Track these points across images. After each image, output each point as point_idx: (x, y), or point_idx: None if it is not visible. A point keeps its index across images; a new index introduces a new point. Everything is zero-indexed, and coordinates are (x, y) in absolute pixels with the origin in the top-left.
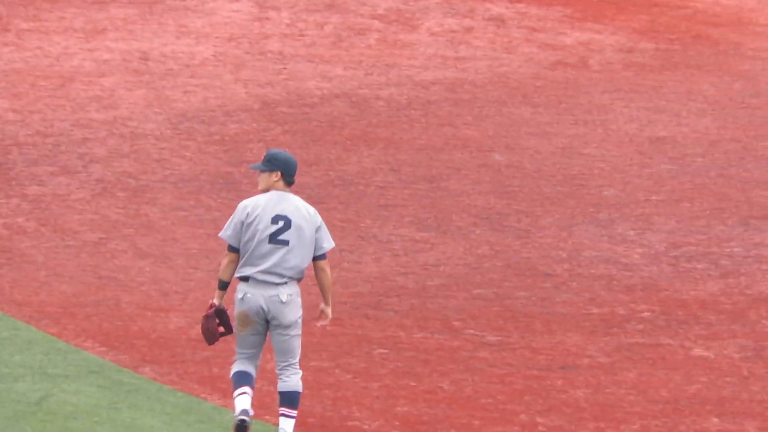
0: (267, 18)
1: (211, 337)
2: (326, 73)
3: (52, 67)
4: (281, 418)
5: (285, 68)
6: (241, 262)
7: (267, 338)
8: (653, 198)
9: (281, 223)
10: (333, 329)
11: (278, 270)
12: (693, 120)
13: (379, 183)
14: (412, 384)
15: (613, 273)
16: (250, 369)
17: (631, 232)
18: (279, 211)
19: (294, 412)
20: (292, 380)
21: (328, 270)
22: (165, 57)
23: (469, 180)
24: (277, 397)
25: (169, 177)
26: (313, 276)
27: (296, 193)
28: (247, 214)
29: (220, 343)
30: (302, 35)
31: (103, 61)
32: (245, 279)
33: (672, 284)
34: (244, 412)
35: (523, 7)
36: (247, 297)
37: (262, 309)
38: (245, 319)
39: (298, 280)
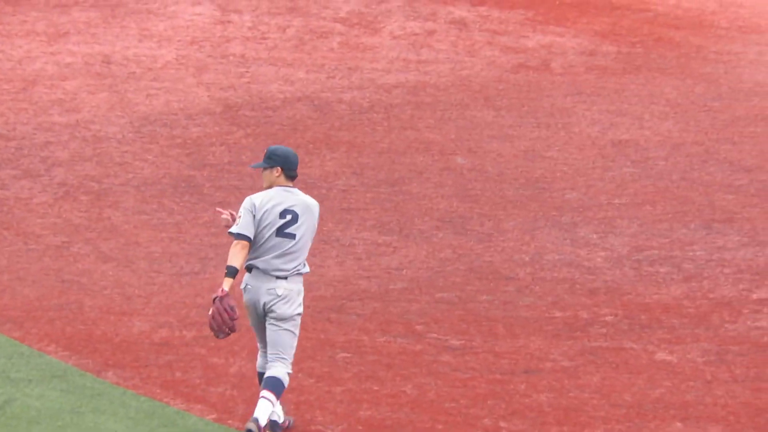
0: (229, 21)
1: (220, 328)
2: (288, 76)
3: (14, 70)
4: (260, 401)
5: (247, 71)
6: (250, 255)
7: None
8: (616, 201)
9: (289, 217)
10: None
11: (282, 263)
12: (655, 123)
13: (342, 186)
14: (375, 388)
15: (575, 277)
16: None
17: (594, 236)
18: (287, 205)
19: (271, 396)
20: (278, 370)
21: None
22: (127, 60)
23: (431, 183)
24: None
25: (131, 180)
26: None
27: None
28: (256, 207)
29: (183, 347)
30: (264, 38)
31: (65, 64)
32: (249, 269)
33: (635, 288)
34: (255, 420)
35: (485, 11)
36: (248, 288)
37: (260, 301)
38: (248, 310)
39: (301, 274)
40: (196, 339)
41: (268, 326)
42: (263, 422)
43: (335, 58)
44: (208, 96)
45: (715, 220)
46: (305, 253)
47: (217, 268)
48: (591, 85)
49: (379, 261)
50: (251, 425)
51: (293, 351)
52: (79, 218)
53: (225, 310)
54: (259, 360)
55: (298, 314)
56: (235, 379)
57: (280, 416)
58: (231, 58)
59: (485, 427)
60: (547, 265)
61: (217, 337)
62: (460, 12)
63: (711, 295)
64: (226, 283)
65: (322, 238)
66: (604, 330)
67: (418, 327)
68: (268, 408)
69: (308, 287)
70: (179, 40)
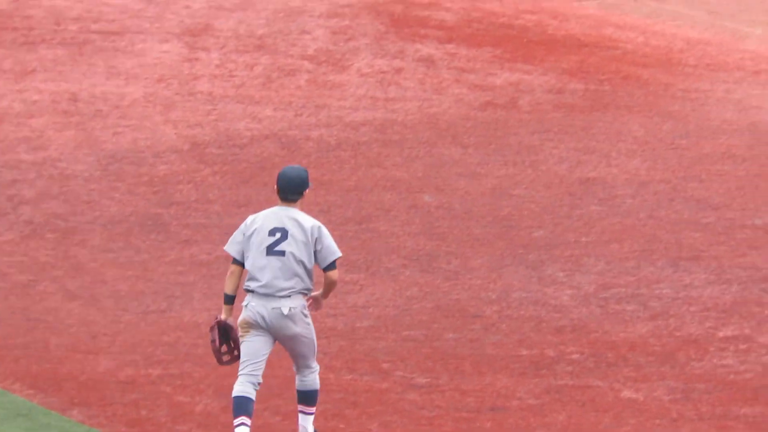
0: (197, 59)
1: (215, 352)
2: (256, 113)
3: None
4: (300, 415)
5: (215, 109)
6: (247, 275)
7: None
8: (583, 239)
9: (278, 235)
10: None
11: (277, 282)
12: (622, 161)
13: None
14: (341, 426)
15: (542, 314)
16: (250, 391)
17: (561, 274)
18: (277, 223)
19: (312, 409)
20: (309, 378)
21: (334, 277)
22: (95, 98)
23: (398, 221)
24: (296, 396)
25: (98, 218)
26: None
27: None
28: (247, 225)
29: (149, 386)
30: (232, 76)
31: (32, 102)
32: (250, 291)
33: (601, 326)
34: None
35: (452, 48)
36: (251, 305)
37: (264, 319)
38: (246, 325)
39: (303, 293)
40: (162, 377)
41: (284, 344)
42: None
43: (303, 96)
44: (176, 133)
45: (682, 258)
46: (303, 271)
47: (183, 307)
48: (558, 123)
49: (345, 299)
50: None
51: (315, 353)
52: (45, 256)
53: (211, 340)
54: (238, 385)
55: (308, 324)
56: (201, 417)
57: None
58: (198, 95)
59: None
60: (514, 303)
61: (219, 363)
62: (427, 50)
63: (677, 333)
64: (223, 311)
65: None
66: (570, 368)
67: (385, 365)
68: (309, 419)
69: None
70: (147, 78)
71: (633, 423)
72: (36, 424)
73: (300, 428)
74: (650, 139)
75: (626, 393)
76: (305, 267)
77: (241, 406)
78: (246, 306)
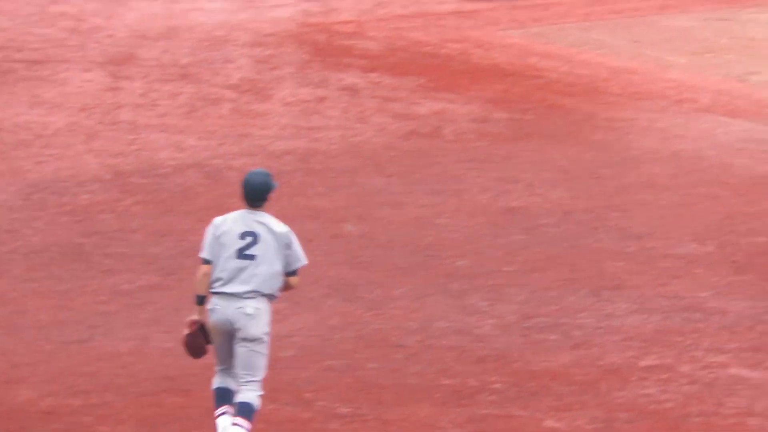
0: (120, 88)
1: (198, 352)
2: (179, 143)
3: None
4: (232, 428)
5: (137, 138)
6: (212, 277)
7: None
8: (505, 269)
9: (249, 239)
10: (183, 401)
11: (245, 284)
12: (546, 190)
13: None
14: None
15: (464, 344)
16: (230, 383)
17: (483, 303)
18: (246, 227)
19: (246, 424)
20: (249, 395)
21: (295, 283)
22: (17, 127)
23: (321, 251)
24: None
25: (19, 248)
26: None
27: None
28: (216, 226)
29: (70, 416)
30: (155, 105)
31: None
32: (216, 293)
33: (523, 355)
34: None
35: (376, 77)
36: (216, 308)
37: (229, 321)
38: (215, 331)
39: (269, 297)
40: (83, 407)
41: (237, 348)
42: None
43: (226, 125)
44: (98, 163)
45: (604, 288)
46: (272, 275)
47: (104, 336)
48: (482, 152)
49: None
50: None
51: (263, 372)
52: None
53: (200, 344)
54: (217, 379)
55: (266, 333)
56: None
57: None
58: (121, 124)
59: None
60: (436, 332)
61: (195, 358)
62: (351, 78)
63: (599, 363)
64: (196, 312)
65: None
66: (492, 397)
67: (307, 394)
68: None
69: None
70: (70, 107)
71: None
72: None
73: None
74: (573, 168)
75: (548, 422)
76: (274, 271)
77: (222, 396)
78: (212, 310)
